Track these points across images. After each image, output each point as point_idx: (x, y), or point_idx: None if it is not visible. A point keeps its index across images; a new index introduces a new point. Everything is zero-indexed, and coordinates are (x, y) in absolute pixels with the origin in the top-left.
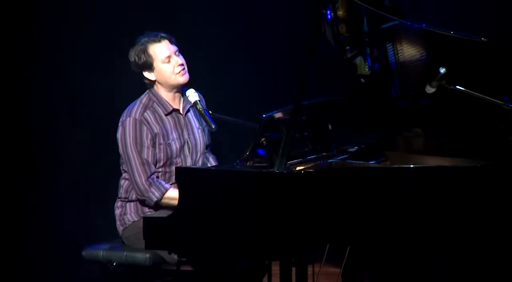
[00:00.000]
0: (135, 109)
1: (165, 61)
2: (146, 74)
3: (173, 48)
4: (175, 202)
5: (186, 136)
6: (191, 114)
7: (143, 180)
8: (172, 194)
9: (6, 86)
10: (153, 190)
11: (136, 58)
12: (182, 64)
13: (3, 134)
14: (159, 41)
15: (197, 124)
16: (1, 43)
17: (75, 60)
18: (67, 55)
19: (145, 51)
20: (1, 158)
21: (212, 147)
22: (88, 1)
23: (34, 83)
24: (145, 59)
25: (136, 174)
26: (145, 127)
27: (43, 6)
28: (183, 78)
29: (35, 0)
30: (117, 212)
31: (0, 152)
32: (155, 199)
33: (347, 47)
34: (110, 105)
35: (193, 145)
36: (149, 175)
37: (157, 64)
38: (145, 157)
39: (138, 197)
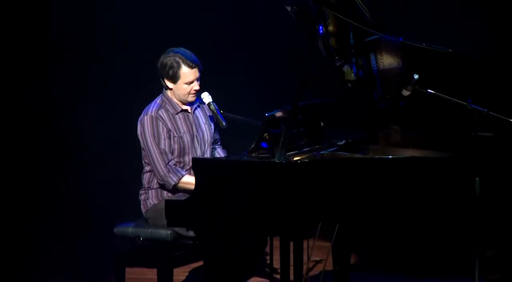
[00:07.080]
0: (151, 108)
1: (187, 84)
2: (167, 82)
3: (198, 75)
4: (190, 186)
5: (194, 130)
6: (198, 113)
7: (162, 167)
8: (188, 179)
9: (48, 87)
10: (171, 175)
11: (167, 67)
12: (196, 91)
13: (46, 126)
14: (192, 67)
15: (204, 120)
16: (31, 44)
17: (102, 60)
18: (95, 56)
19: (178, 67)
20: (45, 144)
21: (221, 141)
22: (114, 5)
23: (76, 84)
24: (174, 73)
25: (156, 162)
26: (160, 122)
27: (77, 7)
28: (192, 100)
29: (71, 2)
30: (141, 197)
31: (44, 141)
32: (173, 183)
33: (336, 57)
34: (135, 102)
35: (201, 137)
36: (166, 162)
37: (179, 83)
38: (163, 147)
39: (159, 182)
